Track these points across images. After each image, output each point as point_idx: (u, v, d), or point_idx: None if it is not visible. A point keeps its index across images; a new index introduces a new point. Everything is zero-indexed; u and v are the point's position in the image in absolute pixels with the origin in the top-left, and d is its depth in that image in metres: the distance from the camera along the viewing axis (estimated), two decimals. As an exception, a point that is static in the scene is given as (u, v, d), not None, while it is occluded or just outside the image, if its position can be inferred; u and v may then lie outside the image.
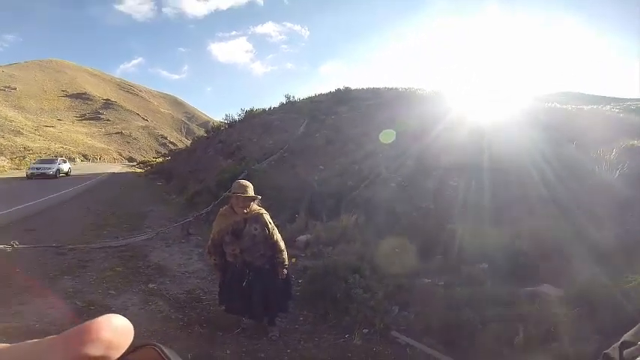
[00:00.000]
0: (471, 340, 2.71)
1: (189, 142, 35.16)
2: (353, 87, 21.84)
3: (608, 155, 5.50)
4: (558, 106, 11.97)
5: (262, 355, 2.89)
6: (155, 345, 0.30)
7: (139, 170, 29.32)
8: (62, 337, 0.23)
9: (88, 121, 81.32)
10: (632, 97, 18.44)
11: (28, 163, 24.43)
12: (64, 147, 46.21)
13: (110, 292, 3.93)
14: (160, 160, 33.73)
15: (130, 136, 78.23)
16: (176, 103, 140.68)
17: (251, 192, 2.91)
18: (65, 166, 21.25)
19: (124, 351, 0.24)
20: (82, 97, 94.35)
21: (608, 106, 12.54)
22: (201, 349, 2.91)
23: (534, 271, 3.55)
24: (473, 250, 4.09)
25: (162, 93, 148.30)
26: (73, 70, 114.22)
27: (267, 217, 2.99)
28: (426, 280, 3.92)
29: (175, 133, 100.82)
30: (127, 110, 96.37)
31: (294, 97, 21.98)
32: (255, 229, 2.90)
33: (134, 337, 0.26)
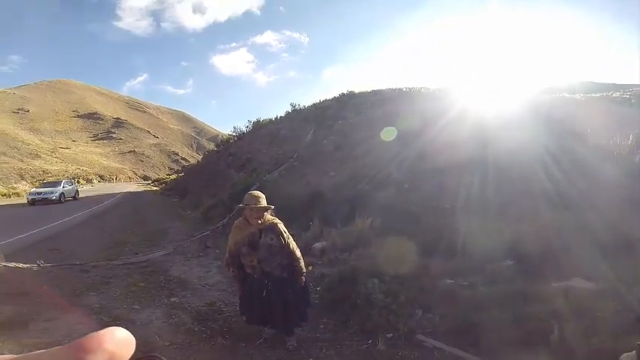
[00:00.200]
0: (502, 340, 2.64)
1: (200, 157, 35.74)
2: (357, 90, 21.96)
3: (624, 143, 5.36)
4: (567, 96, 11.75)
5: (284, 364, 2.89)
6: (157, 357, 0.32)
7: (154, 188, 29.93)
8: (67, 348, 0.24)
9: (101, 141, 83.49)
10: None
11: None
12: (81, 168, 47.53)
13: (134, 306, 4.00)
14: (174, 176, 34.39)
15: (143, 154, 79.93)
16: (184, 119, 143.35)
17: (264, 202, 2.92)
18: (71, 189, 19.08)
19: None
20: (93, 117, 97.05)
21: (617, 93, 12.24)
22: (224, 360, 2.93)
23: (562, 266, 3.45)
24: (496, 248, 4.00)
25: (170, 109, 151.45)
26: (82, 90, 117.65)
27: (281, 226, 3.00)
28: (449, 281, 3.84)
29: (186, 148, 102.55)
30: (138, 128, 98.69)
31: (299, 104, 22.24)
32: (271, 239, 2.92)
33: (152, 350, 0.28)
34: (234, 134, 23.18)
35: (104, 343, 0.24)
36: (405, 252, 4.48)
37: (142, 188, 31.73)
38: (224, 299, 4.30)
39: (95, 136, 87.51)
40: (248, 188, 7.96)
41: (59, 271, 4.95)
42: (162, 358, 0.32)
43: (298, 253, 3.05)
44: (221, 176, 15.86)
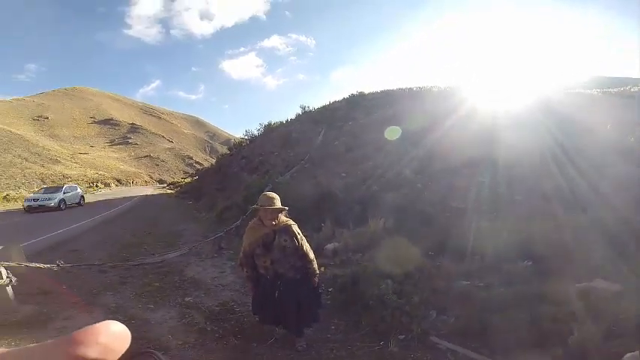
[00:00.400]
0: (518, 341, 2.57)
1: (213, 161, 36.27)
2: (366, 91, 21.96)
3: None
4: (582, 92, 11.41)
5: (295, 365, 2.88)
6: (153, 353, 0.32)
7: (170, 191, 30.53)
8: (60, 342, 0.24)
9: (118, 146, 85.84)
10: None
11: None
12: (99, 173, 48.89)
13: (149, 306, 4.07)
14: (189, 180, 35.00)
15: (158, 158, 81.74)
16: (197, 123, 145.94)
17: (278, 204, 2.92)
18: (74, 195, 17.44)
19: (119, 355, 0.26)
20: (109, 122, 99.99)
21: (637, 87, 11.80)
22: (236, 360, 2.94)
23: (580, 267, 3.33)
24: (510, 248, 3.90)
25: (183, 114, 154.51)
26: (97, 97, 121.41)
27: (295, 227, 2.99)
28: (465, 282, 3.76)
29: (200, 152, 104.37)
30: (153, 133, 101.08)
31: (308, 106, 22.36)
32: (285, 241, 2.91)
33: (154, 346, 0.27)
34: (247, 137, 23.44)
35: (98, 337, 0.24)
36: (417, 253, 4.42)
37: (157, 191, 32.43)
38: (237, 299, 4.34)
39: (112, 141, 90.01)
40: (261, 190, 8.01)
41: (78, 271, 5.09)
42: (158, 354, 0.32)
43: (312, 254, 3.04)
44: (234, 179, 16.05)
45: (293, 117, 22.27)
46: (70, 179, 36.42)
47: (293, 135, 17.75)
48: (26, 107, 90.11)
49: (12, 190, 26.13)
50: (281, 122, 22.47)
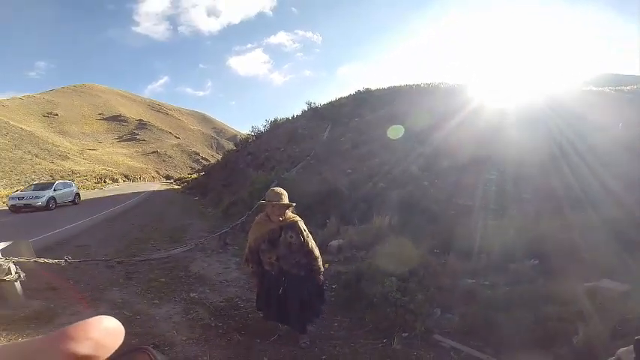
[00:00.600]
0: (523, 341, 2.54)
1: (220, 157, 36.47)
2: (373, 87, 21.81)
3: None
4: (594, 89, 11.19)
5: (298, 362, 2.89)
6: (147, 349, 0.31)
7: (176, 187, 30.81)
8: (51, 337, 0.23)
9: (126, 142, 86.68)
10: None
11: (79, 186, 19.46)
12: (107, 169, 49.49)
13: (154, 301, 4.11)
14: (195, 176, 35.25)
15: (165, 154, 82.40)
16: (204, 120, 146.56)
17: (286, 200, 2.92)
18: (67, 192, 15.61)
19: (112, 351, 0.25)
20: (117, 119, 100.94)
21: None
22: (239, 356, 2.96)
23: (587, 266, 3.28)
24: (516, 247, 3.85)
25: (190, 110, 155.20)
26: (106, 94, 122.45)
27: (301, 224, 2.99)
28: (470, 281, 3.73)
29: (207, 148, 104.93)
30: (160, 129, 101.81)
31: (315, 103, 22.30)
32: (291, 237, 2.91)
33: (152, 343, 0.26)
34: (253, 133, 23.52)
35: (90, 332, 0.24)
36: (422, 250, 4.39)
37: (164, 187, 32.75)
38: (241, 295, 4.36)
39: (120, 137, 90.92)
40: (267, 186, 8.04)
41: (86, 266, 5.16)
42: (152, 351, 0.32)
43: (317, 251, 3.03)
44: (240, 175, 16.11)
45: (299, 113, 22.27)
46: (78, 175, 36.96)
47: (299, 131, 17.74)
48: (36, 104, 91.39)
49: (22, 185, 26.54)
50: (287, 118, 22.49)
